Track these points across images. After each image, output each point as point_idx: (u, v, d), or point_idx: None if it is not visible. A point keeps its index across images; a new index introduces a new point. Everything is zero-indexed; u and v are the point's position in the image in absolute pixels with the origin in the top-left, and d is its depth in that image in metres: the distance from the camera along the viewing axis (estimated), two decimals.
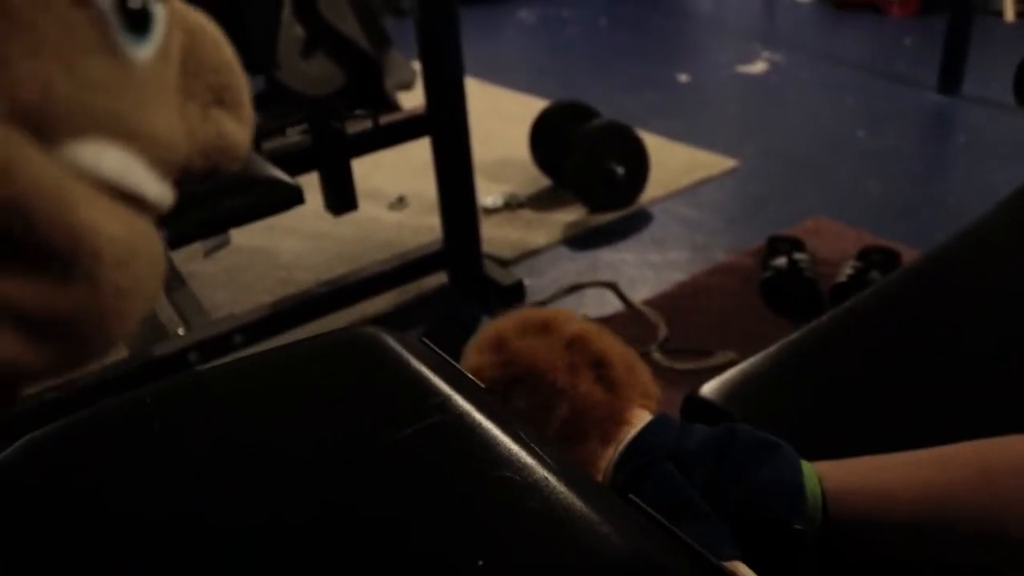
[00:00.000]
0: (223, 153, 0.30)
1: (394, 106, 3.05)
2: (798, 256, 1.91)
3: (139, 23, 0.25)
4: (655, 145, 2.47)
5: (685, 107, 3.16)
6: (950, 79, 2.97)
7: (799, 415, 0.85)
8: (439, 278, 2.03)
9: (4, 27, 0.21)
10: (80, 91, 0.23)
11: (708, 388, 0.90)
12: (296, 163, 1.69)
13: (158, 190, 0.26)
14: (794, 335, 0.96)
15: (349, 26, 3.00)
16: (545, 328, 0.71)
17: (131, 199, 0.25)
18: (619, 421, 0.66)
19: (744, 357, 0.92)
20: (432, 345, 0.59)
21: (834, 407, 0.87)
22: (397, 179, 2.52)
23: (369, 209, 2.32)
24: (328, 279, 1.99)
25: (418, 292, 2.01)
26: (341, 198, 1.79)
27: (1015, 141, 2.60)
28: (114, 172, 0.24)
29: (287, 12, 3.03)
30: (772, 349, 0.94)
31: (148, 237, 0.25)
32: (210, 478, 0.49)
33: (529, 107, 2.79)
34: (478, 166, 1.95)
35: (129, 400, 0.57)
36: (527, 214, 2.35)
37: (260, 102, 2.02)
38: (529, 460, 0.46)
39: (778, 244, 2.00)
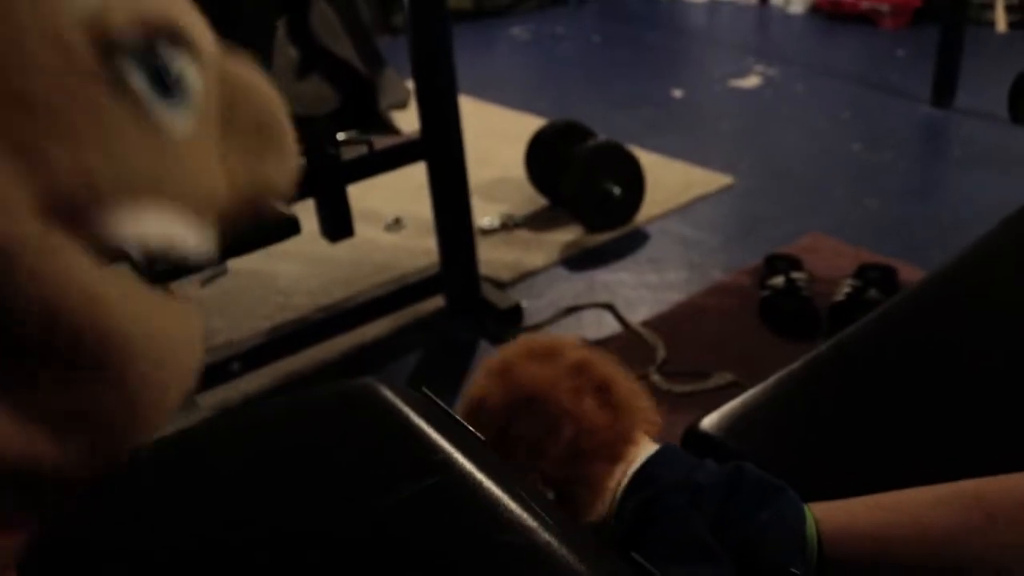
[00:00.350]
0: (265, 193, 0.30)
1: (389, 126, 3.05)
2: (795, 275, 1.91)
3: (177, 91, 0.25)
4: (650, 163, 2.47)
5: (680, 123, 3.16)
6: (943, 91, 2.98)
7: (800, 449, 0.85)
8: (436, 302, 2.03)
9: (41, 122, 0.21)
10: (119, 168, 0.23)
11: (708, 422, 0.90)
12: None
13: (200, 242, 0.26)
14: (795, 365, 0.95)
15: (343, 47, 3.00)
16: (550, 354, 0.73)
17: (169, 278, 0.24)
18: (625, 440, 0.67)
19: (742, 378, 0.92)
20: (433, 396, 0.59)
21: (835, 440, 0.86)
22: (393, 200, 2.51)
23: (365, 231, 2.31)
24: (326, 304, 1.98)
25: (415, 316, 2.00)
26: (337, 225, 1.79)
27: (1009, 153, 2.61)
28: (156, 233, 0.24)
29: (281, 34, 3.03)
30: (772, 380, 0.94)
31: (185, 323, 0.25)
32: (207, 539, 0.48)
33: (524, 125, 2.79)
34: (473, 186, 1.95)
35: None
36: (524, 235, 2.35)
37: None
38: (532, 523, 0.46)
39: (775, 263, 2.00)
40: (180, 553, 0.48)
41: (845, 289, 1.87)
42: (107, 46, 0.23)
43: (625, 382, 0.72)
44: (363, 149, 1.81)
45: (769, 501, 0.61)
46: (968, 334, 0.94)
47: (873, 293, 1.83)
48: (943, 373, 0.90)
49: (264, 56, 2.46)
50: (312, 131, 1.88)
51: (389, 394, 0.56)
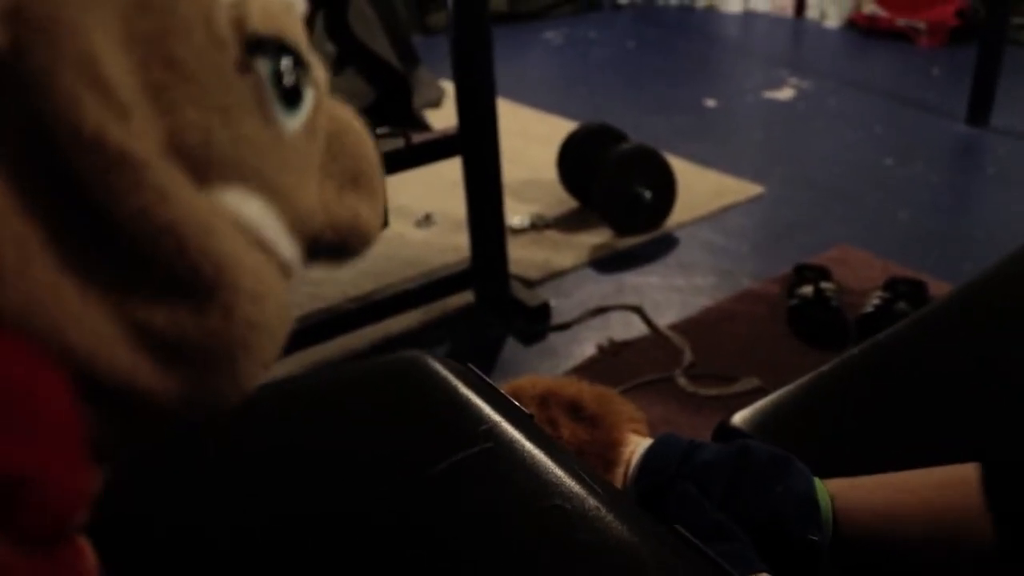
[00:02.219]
0: (353, 233, 0.32)
1: (422, 124, 3.08)
2: (824, 285, 1.91)
3: (291, 98, 0.27)
4: (682, 169, 2.48)
5: (712, 131, 3.17)
6: (979, 110, 2.96)
7: (830, 446, 0.85)
8: (465, 297, 2.04)
9: (174, 78, 0.24)
10: (234, 144, 0.25)
11: (739, 417, 0.91)
12: None
13: (290, 251, 0.27)
14: (825, 367, 0.96)
15: (379, 44, 3.03)
16: (515, 397, 0.75)
17: (266, 249, 0.26)
18: (614, 444, 0.69)
19: (769, 384, 0.92)
20: (478, 371, 0.60)
21: (864, 440, 0.87)
22: (424, 197, 2.53)
23: (397, 226, 2.34)
24: (356, 295, 2.00)
25: (443, 311, 2.02)
26: None
27: None
28: (254, 221, 0.25)
29: (319, 29, 3.06)
30: (803, 380, 0.94)
31: (279, 283, 0.26)
32: (263, 500, 0.50)
33: (556, 128, 2.80)
34: (505, 186, 1.96)
35: None
36: (554, 235, 2.36)
37: None
38: (579, 489, 0.47)
39: (804, 272, 2.00)
40: (239, 525, 0.49)
41: (874, 301, 1.87)
42: (243, 32, 0.26)
43: (592, 392, 0.75)
44: (400, 142, 1.83)
45: (780, 474, 0.62)
46: (998, 346, 0.95)
47: (902, 306, 1.83)
48: (973, 382, 0.90)
49: None
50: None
51: (437, 366, 0.58)
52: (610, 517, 0.45)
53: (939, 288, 1.89)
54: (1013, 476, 0.60)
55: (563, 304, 2.03)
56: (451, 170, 1.96)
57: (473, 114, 1.85)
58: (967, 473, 0.61)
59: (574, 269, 2.19)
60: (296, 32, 0.28)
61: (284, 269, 0.27)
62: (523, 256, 2.22)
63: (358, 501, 0.49)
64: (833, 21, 4.48)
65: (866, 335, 1.74)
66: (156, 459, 0.55)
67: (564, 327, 1.94)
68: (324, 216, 0.30)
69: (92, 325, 0.22)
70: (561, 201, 2.52)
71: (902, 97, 3.35)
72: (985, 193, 2.58)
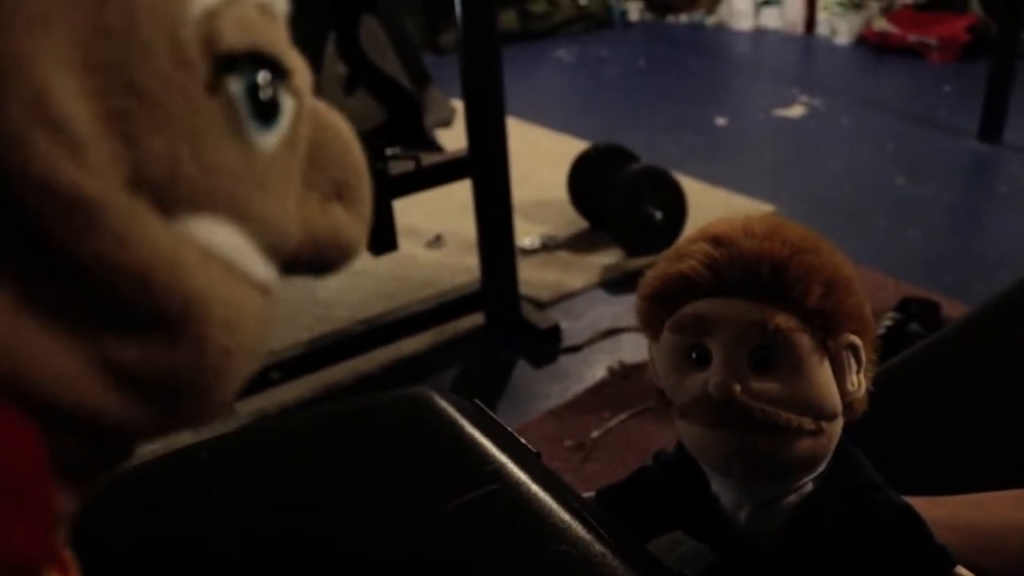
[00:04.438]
0: (335, 247, 0.30)
1: (433, 143, 3.09)
2: None
3: (267, 113, 0.26)
4: (692, 189, 2.47)
5: (722, 151, 3.16)
6: (991, 127, 2.95)
7: None
8: (475, 319, 2.04)
9: (137, 106, 0.23)
10: (204, 172, 0.24)
11: None
12: None
13: (264, 272, 0.26)
14: None
15: (390, 64, 3.04)
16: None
17: (239, 274, 0.25)
18: None
19: None
20: (485, 407, 0.60)
21: (883, 466, 0.86)
22: (435, 217, 2.54)
23: (406, 247, 2.33)
24: (365, 317, 2.00)
25: (454, 333, 2.02)
26: (382, 238, 1.81)
27: None
28: (224, 249, 0.24)
29: (330, 50, 3.08)
30: None
31: (255, 302, 0.26)
32: (265, 541, 0.49)
33: (567, 147, 2.81)
34: (515, 206, 1.96)
35: (183, 454, 0.58)
36: (564, 256, 2.36)
37: None
38: (584, 534, 0.46)
39: None
40: (239, 562, 0.49)
41: (886, 322, 1.85)
42: (214, 50, 0.24)
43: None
44: (410, 164, 1.83)
45: None
46: (1015, 370, 0.94)
47: (915, 327, 1.82)
48: (989, 407, 0.89)
49: (314, 71, 2.51)
50: (361, 145, 1.90)
51: (443, 403, 0.58)
52: (616, 563, 0.44)
53: (952, 308, 1.87)
54: None
55: (574, 326, 2.02)
56: (461, 190, 1.96)
57: (483, 135, 1.86)
58: (1010, 496, 0.60)
59: (585, 290, 2.18)
60: (275, 38, 0.26)
61: (260, 289, 0.26)
62: (534, 277, 2.22)
63: (361, 541, 0.49)
64: (844, 38, 4.48)
65: (880, 356, 1.72)
66: (159, 499, 0.55)
67: (575, 349, 1.94)
68: (303, 232, 0.29)
69: (58, 366, 0.22)
70: (571, 222, 2.52)
71: (914, 114, 3.35)
72: (998, 211, 2.56)
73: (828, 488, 0.50)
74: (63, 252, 0.21)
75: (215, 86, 0.24)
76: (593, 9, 5.12)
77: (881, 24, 4.26)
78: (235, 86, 0.25)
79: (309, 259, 0.30)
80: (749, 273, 0.47)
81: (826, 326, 0.48)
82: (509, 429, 0.57)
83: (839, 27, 4.50)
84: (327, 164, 0.30)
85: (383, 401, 0.60)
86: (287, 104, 0.26)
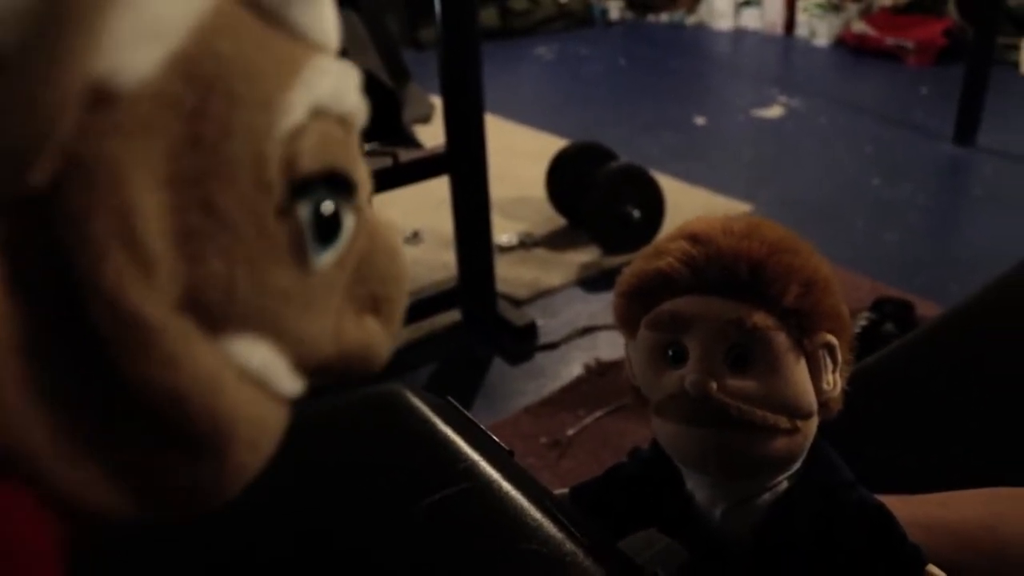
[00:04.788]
0: (362, 360, 0.30)
1: (412, 140, 3.08)
2: None
3: (328, 236, 0.25)
4: (671, 188, 2.48)
5: (701, 150, 3.17)
6: (966, 130, 2.98)
7: None
8: (452, 316, 2.03)
9: (209, 226, 0.22)
10: (258, 295, 0.23)
11: None
12: None
13: (292, 387, 0.26)
14: None
15: (370, 59, 3.03)
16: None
17: (270, 391, 0.25)
18: None
19: None
20: (458, 405, 0.59)
21: (855, 464, 0.86)
22: (411, 214, 2.53)
23: None
24: None
25: (431, 329, 2.01)
26: None
27: None
28: (258, 367, 0.24)
29: None
30: None
31: (276, 414, 0.25)
32: (235, 538, 0.49)
33: (546, 145, 2.80)
34: (493, 203, 1.96)
35: None
36: (542, 253, 2.36)
37: None
38: (556, 532, 0.46)
39: None
40: (207, 561, 0.48)
41: (861, 322, 1.86)
42: (292, 174, 0.23)
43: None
44: (388, 161, 1.82)
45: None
46: (989, 370, 0.94)
47: (889, 327, 1.83)
48: (961, 406, 0.90)
49: None
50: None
51: (415, 400, 0.57)
52: (587, 561, 0.44)
53: (927, 309, 1.89)
54: None
55: (550, 323, 2.02)
56: (440, 187, 1.96)
57: (461, 132, 1.85)
58: (978, 495, 0.61)
59: (562, 288, 2.18)
60: (349, 154, 0.25)
61: (284, 402, 0.26)
62: (511, 274, 2.22)
63: (332, 538, 0.48)
64: (823, 39, 4.51)
65: (854, 355, 1.73)
66: None
67: (551, 347, 1.94)
68: (335, 345, 0.28)
69: (78, 469, 0.22)
70: (549, 219, 2.52)
71: (890, 116, 3.37)
72: (972, 214, 2.59)
73: (803, 486, 0.51)
74: (111, 366, 0.21)
75: (286, 211, 0.23)
76: (574, 7, 5.12)
77: (859, 26, 4.29)
78: (304, 210, 0.24)
79: (336, 369, 0.29)
80: (727, 271, 0.47)
81: (803, 325, 0.48)
82: (482, 427, 0.57)
83: (818, 28, 4.53)
84: (371, 278, 0.29)
85: (355, 398, 0.59)
86: (348, 222, 0.26)
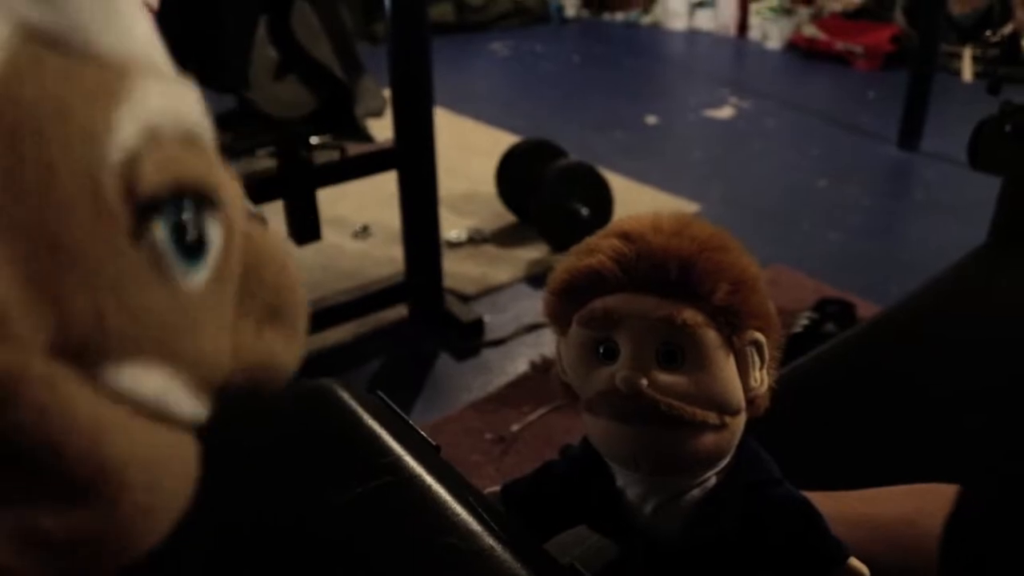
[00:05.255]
0: (267, 373, 0.29)
1: (363, 133, 3.06)
2: None
3: (194, 252, 0.24)
4: (620, 186, 2.50)
5: (652, 149, 3.20)
6: (910, 134, 3.04)
7: None
8: (399, 311, 2.03)
9: (61, 265, 0.21)
10: (131, 321, 0.23)
11: None
12: (261, 191, 1.68)
13: (194, 410, 0.25)
14: None
15: (323, 51, 3.00)
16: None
17: (167, 419, 0.24)
18: None
19: None
20: (387, 399, 0.59)
21: (784, 461, 0.88)
22: (362, 208, 2.52)
23: (332, 237, 2.31)
24: None
25: (377, 324, 2.00)
26: (305, 228, 1.79)
27: (968, 199, 2.66)
28: (152, 395, 0.23)
29: (261, 33, 3.02)
30: None
31: (179, 449, 0.25)
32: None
33: (497, 141, 2.81)
34: (443, 199, 1.96)
35: None
36: (490, 250, 2.36)
37: (230, 122, 2.02)
38: (476, 527, 0.47)
39: None
40: None
41: (803, 321, 1.89)
42: (136, 197, 0.23)
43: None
44: (335, 155, 1.82)
45: None
46: (916, 369, 0.97)
47: (830, 327, 1.86)
48: (890, 405, 0.92)
49: (244, 54, 2.46)
50: (288, 132, 1.88)
51: (344, 395, 0.57)
52: (505, 556, 0.45)
53: (868, 309, 1.92)
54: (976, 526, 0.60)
55: (498, 319, 2.03)
56: (390, 181, 1.95)
57: (410, 126, 1.85)
58: (901, 492, 0.62)
59: (510, 284, 2.19)
60: (201, 168, 0.25)
61: (187, 427, 0.25)
62: (459, 270, 2.22)
63: (253, 530, 0.48)
64: (774, 42, 4.56)
65: (794, 355, 1.76)
66: None
67: (498, 343, 1.94)
68: (236, 361, 0.27)
69: None
70: (499, 216, 2.52)
71: (838, 119, 3.42)
72: (914, 217, 2.64)
73: (730, 483, 0.51)
74: None
75: (139, 234, 0.23)
76: (530, 4, 5.13)
77: (810, 30, 4.35)
78: (159, 230, 0.23)
79: (241, 385, 0.28)
80: (657, 269, 0.48)
81: (732, 323, 0.48)
82: (410, 422, 0.57)
83: (770, 32, 4.58)
84: (261, 289, 0.29)
85: (284, 393, 0.59)
86: (215, 236, 0.25)
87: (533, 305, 2.08)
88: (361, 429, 0.53)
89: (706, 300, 0.47)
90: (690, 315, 0.47)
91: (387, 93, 1.97)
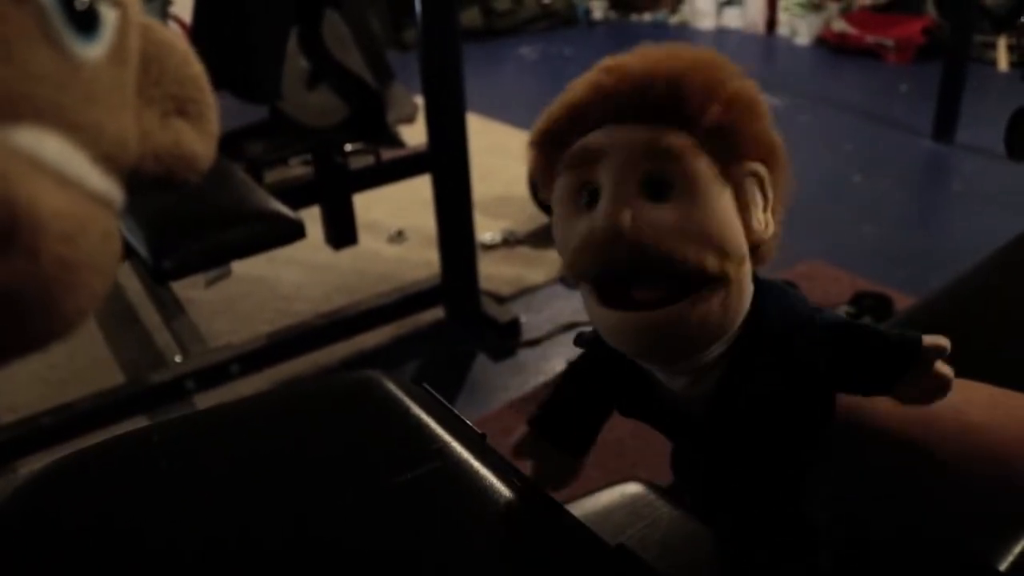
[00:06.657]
0: (179, 161, 0.31)
1: (395, 140, 3.09)
2: None
3: (86, 23, 0.25)
4: None
5: None
6: (944, 127, 3.01)
7: None
8: (436, 313, 2.05)
9: None
10: (20, 80, 0.23)
11: None
12: (298, 197, 1.71)
13: (103, 184, 0.26)
14: None
15: (353, 59, 3.03)
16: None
17: (78, 187, 0.25)
18: None
19: None
20: (432, 390, 0.61)
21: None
22: (397, 212, 2.54)
23: (368, 242, 2.34)
24: (326, 311, 2.00)
25: (415, 327, 2.02)
26: (342, 232, 1.81)
27: (1007, 190, 2.64)
28: (54, 159, 0.24)
29: (292, 44, 3.06)
30: None
31: (97, 214, 0.25)
32: (214, 522, 0.50)
33: None
34: (477, 202, 1.98)
35: (133, 437, 0.58)
36: (525, 251, 2.37)
37: (263, 132, 2.05)
38: (527, 511, 0.48)
39: None
40: (185, 544, 0.49)
41: None
42: None
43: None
44: (370, 159, 1.84)
45: None
46: (958, 360, 0.96)
47: (868, 320, 1.85)
48: None
49: (275, 65, 2.50)
50: (321, 140, 1.90)
51: (390, 386, 0.59)
52: (555, 539, 0.46)
53: (905, 302, 1.91)
54: None
55: (533, 320, 2.04)
56: (423, 186, 1.97)
57: (443, 131, 1.87)
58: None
59: (545, 285, 2.20)
60: None
61: (100, 201, 0.26)
62: (494, 272, 2.23)
63: (305, 519, 0.50)
64: (803, 38, 4.54)
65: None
66: (108, 480, 0.55)
67: (534, 343, 1.95)
68: (144, 145, 0.29)
69: None
70: (532, 217, 2.53)
71: (871, 113, 3.40)
72: (950, 209, 2.62)
73: (757, 335, 0.46)
74: None
75: None
76: (557, 7, 5.14)
77: (840, 25, 4.32)
78: None
79: (154, 173, 0.30)
80: (639, 92, 0.42)
81: (727, 150, 0.42)
82: (455, 411, 0.58)
83: (799, 27, 4.56)
84: (164, 79, 0.30)
85: (332, 383, 0.61)
86: (109, 15, 0.26)
87: (569, 305, 2.09)
88: (409, 417, 0.55)
89: (695, 122, 0.41)
90: (676, 138, 0.41)
91: (418, 99, 1.99)
